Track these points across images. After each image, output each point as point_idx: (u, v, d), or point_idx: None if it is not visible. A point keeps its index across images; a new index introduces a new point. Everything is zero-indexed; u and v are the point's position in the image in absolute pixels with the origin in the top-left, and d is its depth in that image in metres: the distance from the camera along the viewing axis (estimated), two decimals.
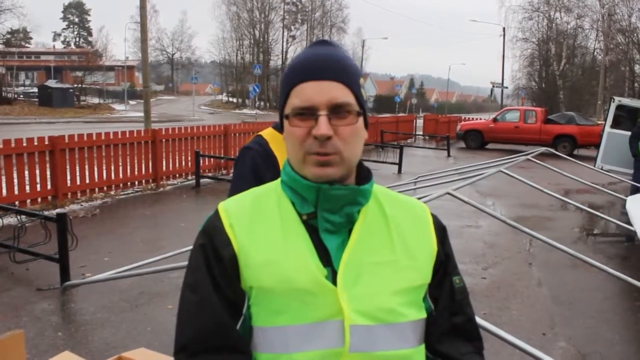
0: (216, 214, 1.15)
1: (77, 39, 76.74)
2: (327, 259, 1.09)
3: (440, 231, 1.22)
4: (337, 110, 1.07)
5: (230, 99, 67.14)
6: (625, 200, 8.09)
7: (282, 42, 63.19)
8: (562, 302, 5.22)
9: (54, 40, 76.60)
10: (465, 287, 1.25)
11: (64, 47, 72.01)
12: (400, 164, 13.83)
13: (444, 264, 1.20)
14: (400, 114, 37.41)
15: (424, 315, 1.16)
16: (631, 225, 6.45)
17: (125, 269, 5.16)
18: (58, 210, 5.51)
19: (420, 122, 27.44)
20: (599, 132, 13.83)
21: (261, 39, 61.67)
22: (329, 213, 1.09)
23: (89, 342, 4.08)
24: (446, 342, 1.19)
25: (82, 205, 8.69)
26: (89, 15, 77.79)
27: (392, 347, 1.09)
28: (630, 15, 38.50)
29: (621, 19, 39.05)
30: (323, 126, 1.05)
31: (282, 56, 62.41)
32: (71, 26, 77.04)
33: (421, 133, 24.96)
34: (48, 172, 8.39)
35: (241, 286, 1.10)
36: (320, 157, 1.07)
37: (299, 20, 65.07)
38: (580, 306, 5.07)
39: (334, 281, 1.07)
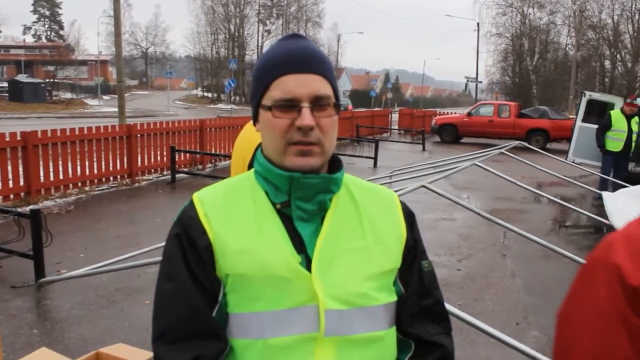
0: (191, 203, 1.17)
1: (48, 33, 75.30)
2: (301, 246, 1.12)
3: (409, 217, 1.27)
4: (318, 103, 1.11)
5: (206, 94, 66.69)
6: (595, 193, 8.26)
7: (258, 37, 62.92)
8: (535, 293, 5.32)
9: (24, 33, 74.98)
10: (433, 271, 1.29)
11: (35, 41, 70.60)
12: (375, 158, 13.90)
13: (413, 249, 1.25)
14: (376, 109, 37.55)
15: (394, 298, 1.21)
16: (601, 217, 6.60)
17: (101, 265, 5.12)
18: (32, 207, 5.44)
19: (395, 117, 27.58)
20: (571, 126, 14.06)
21: (236, 34, 61.29)
22: (302, 201, 1.13)
23: (66, 339, 4.05)
24: (416, 324, 1.23)
25: (56, 201, 8.58)
26: (60, 8, 76.37)
27: (365, 330, 1.13)
28: (601, 12, 39.25)
29: (592, 15, 39.76)
30: (307, 117, 1.08)
31: (258, 51, 62.08)
32: (42, 19, 75.58)
33: (397, 127, 25.11)
34: (20, 168, 8.26)
35: (217, 274, 1.12)
36: (302, 147, 1.10)
37: (274, 15, 64.80)
38: (552, 296, 5.18)
39: (308, 268, 1.11)
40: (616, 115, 9.91)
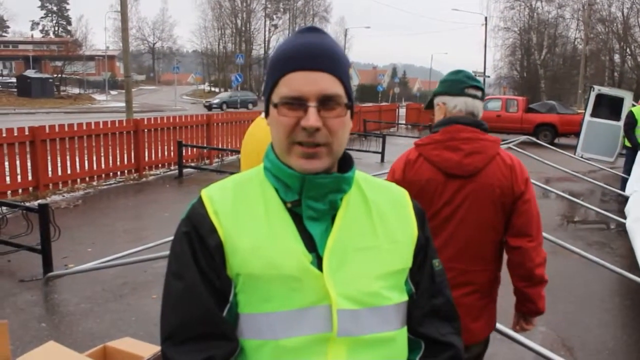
0: (200, 201, 1.14)
1: (56, 28, 75.57)
2: (312, 246, 1.09)
3: (420, 215, 1.24)
4: (326, 102, 1.06)
5: (213, 89, 66.80)
6: (605, 189, 8.19)
7: (265, 31, 63.02)
8: None
9: (32, 29, 75.55)
10: (443, 270, 1.27)
11: (43, 37, 70.86)
12: (383, 153, 13.87)
13: (424, 248, 1.22)
14: (383, 103, 37.45)
15: (406, 298, 1.18)
16: (609, 212, 6.56)
17: (108, 259, 5.14)
18: (40, 201, 5.47)
19: (402, 111, 27.51)
20: (580, 121, 13.98)
21: (243, 28, 61.36)
22: (313, 201, 1.10)
23: (73, 333, 4.07)
24: (427, 323, 1.21)
25: (64, 196, 8.61)
26: (68, 3, 76.69)
27: (377, 330, 1.11)
28: (610, 5, 38.93)
29: (601, 9, 39.47)
30: (312, 118, 1.04)
31: (265, 45, 62.18)
32: (49, 15, 75.88)
33: (404, 122, 25.05)
34: (29, 163, 8.30)
35: (227, 273, 1.09)
36: (307, 149, 1.06)
37: (281, 9, 64.81)
38: (560, 292, 5.15)
39: (319, 267, 1.08)
40: (638, 112, 9.77)
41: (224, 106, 40.91)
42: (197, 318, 1.08)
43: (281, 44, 1.15)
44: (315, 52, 1.07)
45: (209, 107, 39.80)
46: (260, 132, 2.32)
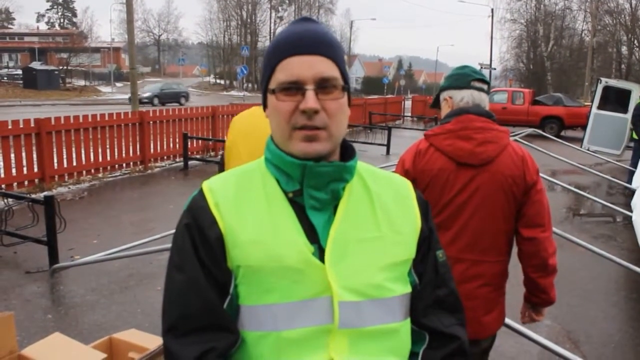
0: (200, 193, 1.14)
1: (62, 20, 75.42)
2: (314, 236, 1.09)
3: (423, 206, 1.23)
4: (323, 85, 1.07)
5: (218, 81, 66.78)
6: (611, 182, 8.15)
7: (270, 23, 62.75)
8: None
9: (38, 21, 75.30)
10: (447, 261, 1.27)
11: (48, 29, 70.78)
12: (388, 145, 13.85)
13: (428, 239, 1.22)
14: (389, 96, 37.36)
15: (409, 289, 1.18)
16: (615, 205, 6.53)
17: (114, 251, 5.14)
18: (45, 193, 5.48)
19: (408, 104, 27.42)
20: (586, 114, 13.90)
21: (248, 20, 61.19)
22: (315, 190, 1.10)
23: (79, 324, 4.08)
24: (430, 315, 1.21)
25: (69, 188, 8.64)
26: None
27: (380, 321, 1.10)
28: None
29: (609, 0, 39.11)
30: (311, 100, 1.05)
31: (270, 37, 61.90)
32: (55, 7, 75.69)
33: (409, 114, 24.97)
34: (34, 155, 8.32)
35: (228, 265, 1.09)
36: (307, 132, 1.06)
37: (287, 1, 64.55)
38: (565, 285, 5.14)
39: (321, 258, 1.07)
40: None
41: (156, 100, 34.47)
42: (198, 310, 1.08)
43: (276, 35, 1.16)
44: (310, 37, 1.09)
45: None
46: (261, 125, 2.29)
